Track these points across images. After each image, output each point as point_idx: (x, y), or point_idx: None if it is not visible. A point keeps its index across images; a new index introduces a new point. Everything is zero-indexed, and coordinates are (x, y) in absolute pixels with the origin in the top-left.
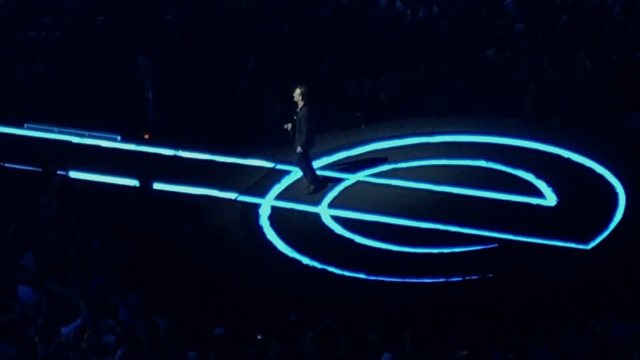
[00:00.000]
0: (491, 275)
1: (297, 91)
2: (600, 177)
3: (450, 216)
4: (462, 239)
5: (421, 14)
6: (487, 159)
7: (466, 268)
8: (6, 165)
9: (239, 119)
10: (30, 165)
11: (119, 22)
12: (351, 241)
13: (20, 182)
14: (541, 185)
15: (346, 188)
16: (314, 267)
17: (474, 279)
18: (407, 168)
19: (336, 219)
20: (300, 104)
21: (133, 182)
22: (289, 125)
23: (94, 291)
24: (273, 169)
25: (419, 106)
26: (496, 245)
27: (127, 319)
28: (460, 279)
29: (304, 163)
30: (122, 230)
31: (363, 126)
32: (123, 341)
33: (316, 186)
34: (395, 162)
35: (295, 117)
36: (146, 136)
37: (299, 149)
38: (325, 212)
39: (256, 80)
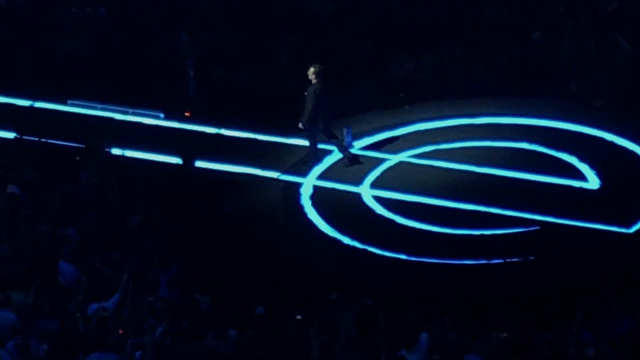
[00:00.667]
0: (532, 257)
1: (311, 69)
2: None
3: (492, 198)
4: (504, 221)
5: None
6: (530, 141)
7: (508, 250)
8: (49, 141)
9: (280, 97)
10: (72, 142)
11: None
12: (392, 222)
13: (63, 158)
14: (584, 168)
15: (388, 168)
16: (354, 247)
17: (515, 262)
18: (449, 149)
19: (378, 199)
20: (314, 81)
21: (176, 160)
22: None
23: (135, 268)
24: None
25: (463, 87)
26: (538, 227)
27: (167, 296)
28: (501, 261)
29: (309, 138)
30: (164, 208)
31: (406, 107)
32: (163, 318)
33: (313, 161)
34: (438, 143)
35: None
36: (187, 114)
37: (300, 125)
38: (366, 192)
39: (298, 59)
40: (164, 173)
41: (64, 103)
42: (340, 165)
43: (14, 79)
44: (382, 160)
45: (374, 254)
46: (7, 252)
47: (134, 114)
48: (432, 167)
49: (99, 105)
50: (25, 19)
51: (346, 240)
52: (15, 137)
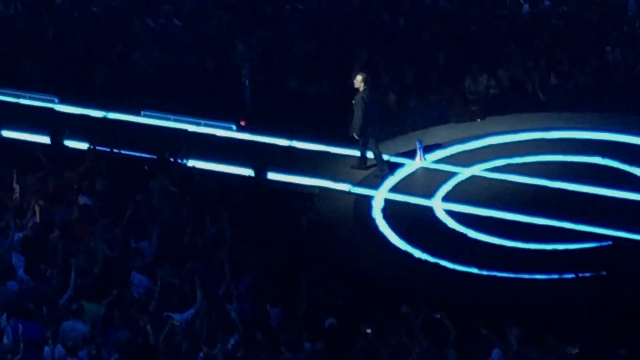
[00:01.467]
0: (604, 273)
1: (359, 77)
2: None
3: (564, 213)
4: (576, 236)
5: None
6: (603, 155)
7: (580, 265)
8: (122, 151)
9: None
10: (146, 153)
11: (235, 12)
12: (464, 235)
13: (136, 169)
14: None
15: (460, 182)
16: (425, 261)
17: (587, 277)
18: (522, 163)
19: (449, 212)
20: (361, 89)
21: (248, 172)
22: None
23: (207, 279)
24: (387, 161)
25: (535, 101)
26: (611, 243)
27: (239, 308)
28: (573, 276)
29: (361, 147)
30: (237, 220)
31: (479, 120)
32: (235, 330)
33: (361, 167)
34: (510, 157)
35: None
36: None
37: (354, 134)
38: (438, 205)
39: (371, 71)
40: (236, 185)
41: (138, 114)
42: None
43: (88, 90)
44: (454, 174)
45: (445, 267)
46: (82, 263)
47: (206, 125)
48: (505, 181)
49: (172, 117)
50: (100, 29)
51: (417, 253)
52: (89, 148)
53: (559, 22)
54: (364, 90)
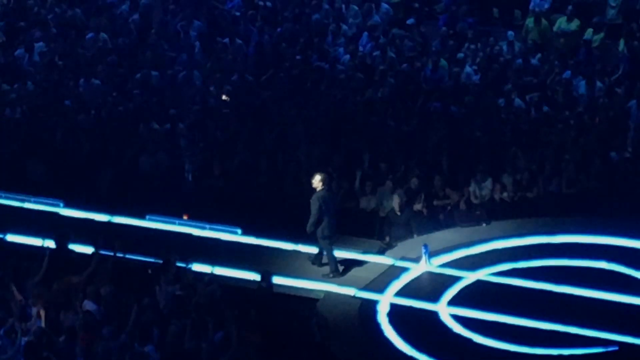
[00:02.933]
0: None
1: (317, 177)
2: None
3: (570, 317)
4: (582, 341)
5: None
6: (609, 260)
7: None
8: (126, 256)
9: (358, 214)
10: (151, 257)
11: (243, 114)
12: (469, 340)
13: (140, 273)
14: None
15: (466, 286)
16: None
17: None
18: (527, 268)
19: (455, 317)
20: (319, 189)
21: (254, 276)
22: None
23: None
24: (392, 265)
25: (540, 205)
26: (617, 348)
27: None
28: None
29: (327, 248)
30: (244, 324)
31: (484, 224)
32: None
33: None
34: (516, 261)
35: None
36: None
37: (308, 231)
38: (444, 310)
39: (374, 174)
40: (242, 289)
41: (143, 218)
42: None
43: (94, 194)
44: (459, 278)
45: None
46: None
47: (211, 229)
48: (510, 285)
49: (177, 221)
50: (105, 133)
51: (423, 358)
52: (93, 253)
53: (564, 126)
54: (322, 189)
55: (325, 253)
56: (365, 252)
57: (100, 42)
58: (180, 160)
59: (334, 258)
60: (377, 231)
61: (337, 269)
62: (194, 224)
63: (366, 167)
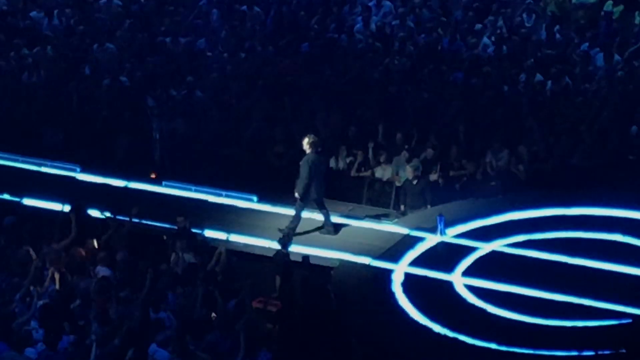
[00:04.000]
0: (624, 350)
1: (306, 139)
2: None
3: (584, 289)
4: (595, 313)
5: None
6: (624, 232)
7: (599, 342)
8: (142, 221)
9: (374, 183)
10: (166, 223)
11: (259, 86)
12: (483, 310)
13: (156, 239)
14: None
15: (480, 257)
16: (445, 336)
17: (606, 354)
18: (542, 239)
19: (469, 287)
20: (308, 151)
21: (270, 243)
22: None
23: (226, 351)
24: (407, 235)
25: (556, 177)
26: (630, 320)
27: None
28: (592, 353)
29: (299, 209)
30: (258, 292)
31: (500, 196)
32: None
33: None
34: (531, 232)
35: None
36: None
37: (296, 194)
38: (458, 280)
39: (390, 144)
40: (257, 256)
41: (159, 184)
42: (318, 231)
43: (110, 159)
44: (474, 249)
45: (464, 342)
46: (98, 333)
47: (227, 196)
48: (525, 256)
49: (193, 187)
50: (126, 98)
51: (437, 328)
52: (108, 218)
53: (583, 99)
54: (311, 152)
55: (295, 212)
56: (380, 221)
57: (113, 8)
58: (197, 127)
59: (299, 220)
60: (392, 201)
61: (294, 230)
62: (210, 190)
63: (381, 137)
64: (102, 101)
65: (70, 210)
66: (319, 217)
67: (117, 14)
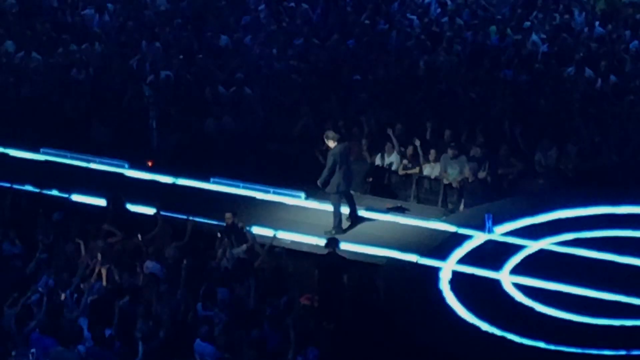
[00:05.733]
0: None
1: (329, 134)
2: None
3: (633, 288)
4: None
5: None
6: None
7: None
8: (190, 217)
9: (422, 181)
10: (214, 219)
11: (310, 80)
12: (531, 309)
13: (205, 235)
14: None
15: (528, 255)
16: (492, 334)
17: None
18: (590, 238)
19: (517, 286)
20: (332, 146)
21: (319, 240)
22: None
23: (274, 347)
24: (455, 232)
25: (605, 175)
26: None
27: None
28: None
29: (336, 205)
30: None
31: (548, 194)
32: None
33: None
34: (579, 230)
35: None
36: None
37: (319, 183)
38: (506, 278)
39: (438, 142)
40: (303, 254)
41: (207, 180)
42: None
43: (161, 155)
44: (522, 247)
45: (512, 341)
46: (144, 329)
47: (275, 193)
48: (573, 255)
49: (241, 184)
50: (171, 96)
51: (484, 326)
52: (155, 214)
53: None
54: (335, 146)
55: (334, 209)
56: (428, 219)
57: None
58: (245, 124)
59: (339, 214)
60: (440, 198)
61: (340, 225)
62: (258, 187)
63: (429, 134)
64: (150, 98)
65: (108, 204)
66: (367, 214)
67: (165, 12)
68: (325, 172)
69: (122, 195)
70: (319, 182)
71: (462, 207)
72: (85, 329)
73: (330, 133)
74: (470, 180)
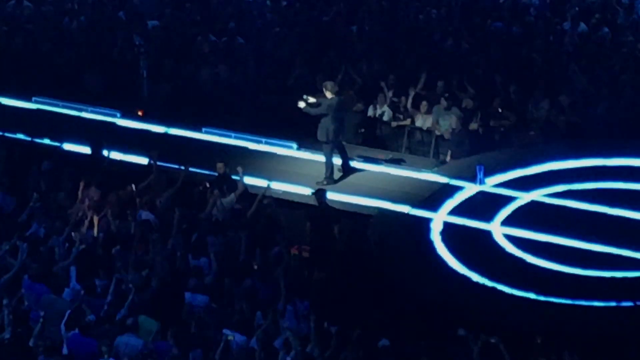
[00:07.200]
0: None
1: (328, 85)
2: None
3: (623, 240)
4: (635, 264)
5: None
6: None
7: (638, 293)
8: (181, 167)
9: (414, 132)
10: (206, 169)
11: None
12: (522, 260)
13: (196, 185)
14: None
15: (519, 207)
16: (483, 285)
17: None
18: (582, 190)
19: (508, 237)
20: (329, 97)
21: (307, 190)
22: None
23: (265, 298)
24: (447, 183)
25: (598, 127)
26: None
27: (296, 327)
28: (631, 304)
29: (328, 155)
30: (297, 240)
31: (540, 145)
32: (291, 347)
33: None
34: (570, 182)
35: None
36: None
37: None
38: (497, 229)
39: (430, 93)
40: (294, 204)
41: (199, 130)
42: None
43: (152, 105)
44: (513, 198)
45: (503, 292)
46: (139, 277)
47: (267, 143)
48: (564, 207)
49: (233, 134)
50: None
51: (475, 277)
52: (149, 163)
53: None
54: (332, 98)
55: (325, 159)
56: (420, 169)
57: None
58: (237, 74)
59: (332, 165)
60: (432, 149)
61: (331, 176)
62: (250, 137)
63: (422, 86)
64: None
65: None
66: (358, 165)
67: None
68: (313, 111)
69: (101, 141)
70: (303, 108)
71: (448, 157)
72: (74, 277)
73: (329, 84)
74: (457, 131)
